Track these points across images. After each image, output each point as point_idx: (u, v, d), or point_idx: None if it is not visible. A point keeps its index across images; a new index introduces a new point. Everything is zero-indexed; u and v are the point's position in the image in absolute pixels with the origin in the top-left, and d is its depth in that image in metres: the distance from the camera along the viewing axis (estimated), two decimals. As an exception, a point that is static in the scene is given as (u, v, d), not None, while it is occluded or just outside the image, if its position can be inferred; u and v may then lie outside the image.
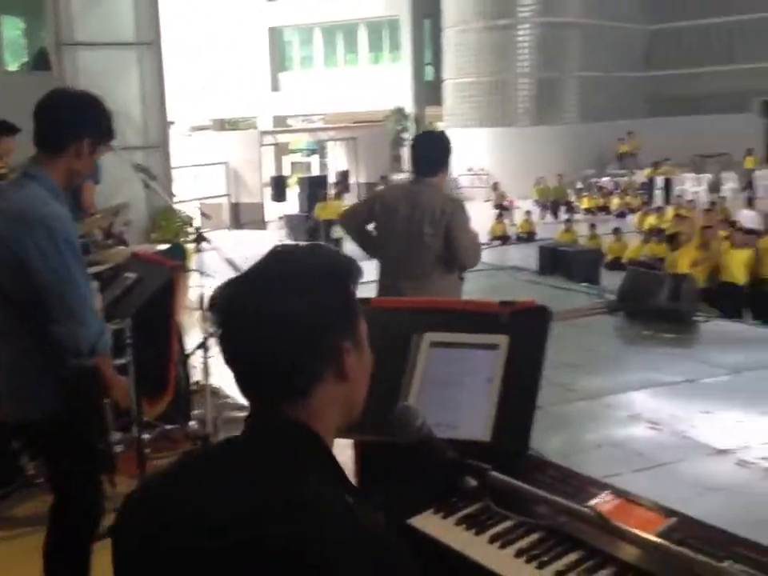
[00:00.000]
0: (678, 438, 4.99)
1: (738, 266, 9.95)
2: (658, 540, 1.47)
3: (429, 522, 1.75)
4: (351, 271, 1.16)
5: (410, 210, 4.10)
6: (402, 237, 4.14)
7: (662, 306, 7.67)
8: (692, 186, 23.03)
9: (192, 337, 4.98)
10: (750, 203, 17.96)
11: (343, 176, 24.90)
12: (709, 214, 14.92)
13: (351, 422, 1.18)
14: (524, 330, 2.06)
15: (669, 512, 1.64)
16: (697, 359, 6.62)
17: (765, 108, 28.38)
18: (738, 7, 27.49)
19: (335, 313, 1.12)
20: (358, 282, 1.17)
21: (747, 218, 16.59)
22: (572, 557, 1.57)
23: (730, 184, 22.82)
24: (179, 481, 1.11)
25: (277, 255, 1.17)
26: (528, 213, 20.15)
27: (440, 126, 27.70)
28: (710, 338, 7.32)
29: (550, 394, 5.82)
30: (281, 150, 29.92)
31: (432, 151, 4.24)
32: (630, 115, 28.32)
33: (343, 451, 2.07)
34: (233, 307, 1.11)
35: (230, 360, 1.11)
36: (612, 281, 10.15)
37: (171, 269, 4.07)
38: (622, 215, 20.96)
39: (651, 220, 17.57)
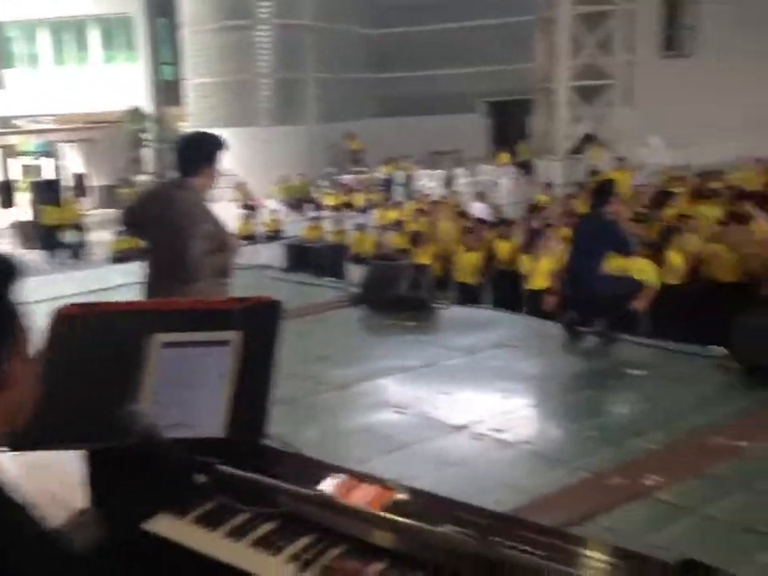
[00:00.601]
0: (422, 418, 5.27)
1: (468, 267, 10.54)
2: (383, 513, 1.56)
3: (164, 524, 1.72)
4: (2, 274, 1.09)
5: (161, 212, 4.03)
6: (153, 239, 4.09)
7: (403, 296, 8.02)
8: (428, 182, 24.34)
9: None
10: (481, 197, 19.30)
11: (79, 179, 23.69)
12: (439, 205, 15.81)
13: (17, 426, 1.13)
14: (256, 325, 2.08)
15: (399, 487, 1.73)
16: (436, 344, 7.01)
17: (488, 109, 30.65)
18: (459, 14, 29.37)
19: None
20: (10, 284, 1.10)
21: (478, 209, 17.81)
22: (306, 540, 1.61)
23: (462, 179, 24.40)
24: None
25: None
26: (274, 212, 20.30)
27: (183, 126, 27.14)
28: (448, 323, 7.78)
29: (302, 387, 5.93)
30: (8, 152, 27.89)
31: (192, 151, 4.14)
32: (367, 115, 29.44)
33: (72, 462, 1.99)
34: None
35: None
36: (357, 274, 10.49)
37: None
38: (365, 211, 21.67)
39: (392, 214, 18.33)
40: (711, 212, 10.50)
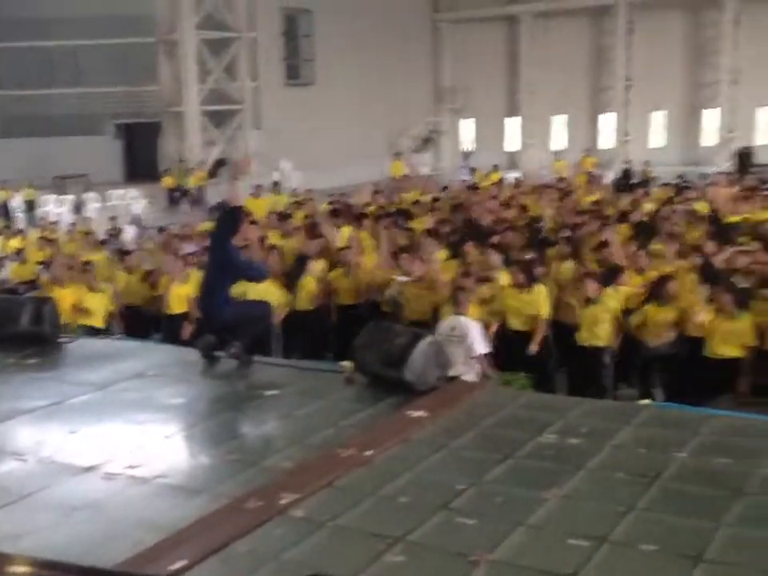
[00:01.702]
0: (45, 464, 4.85)
1: (97, 306, 9.75)
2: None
3: None
4: None
5: None
6: None
7: (24, 331, 7.41)
8: (55, 208, 22.96)
9: None
10: (131, 221, 18.93)
11: None
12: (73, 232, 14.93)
13: None
14: None
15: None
16: (63, 381, 6.53)
17: (119, 131, 29.66)
18: (82, 32, 27.95)
19: None
20: None
21: (129, 233, 17.22)
22: None
23: (94, 204, 23.34)
24: None
25: None
26: None
27: None
28: (77, 357, 7.28)
29: None
30: None
31: None
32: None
33: None
34: None
35: None
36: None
37: None
38: (-18, 240, 19.79)
39: (15, 243, 16.97)
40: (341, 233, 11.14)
